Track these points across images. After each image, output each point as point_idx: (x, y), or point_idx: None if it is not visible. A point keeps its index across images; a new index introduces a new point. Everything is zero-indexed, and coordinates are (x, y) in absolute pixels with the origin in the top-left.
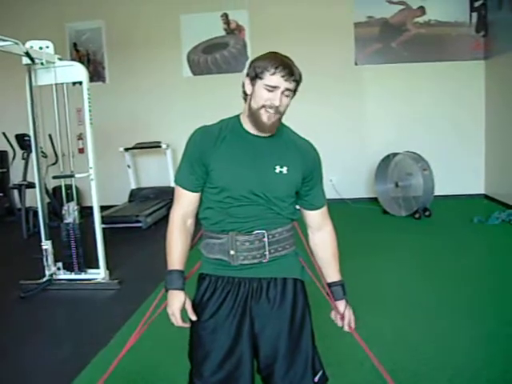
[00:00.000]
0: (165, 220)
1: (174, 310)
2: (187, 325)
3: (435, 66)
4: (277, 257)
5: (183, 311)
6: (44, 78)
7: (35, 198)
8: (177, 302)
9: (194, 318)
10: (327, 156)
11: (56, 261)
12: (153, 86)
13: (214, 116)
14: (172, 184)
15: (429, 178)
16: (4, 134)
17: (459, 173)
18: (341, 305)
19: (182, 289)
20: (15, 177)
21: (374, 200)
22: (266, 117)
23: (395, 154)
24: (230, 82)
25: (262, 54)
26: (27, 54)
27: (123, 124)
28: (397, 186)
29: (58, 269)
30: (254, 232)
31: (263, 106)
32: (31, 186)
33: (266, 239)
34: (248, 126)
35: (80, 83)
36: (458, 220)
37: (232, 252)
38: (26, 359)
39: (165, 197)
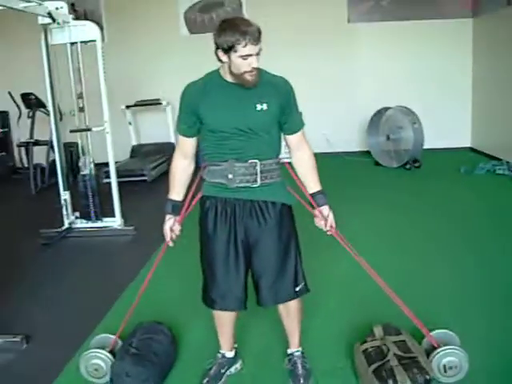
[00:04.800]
0: (168, 174)
1: (165, 229)
2: (170, 243)
3: (425, 24)
4: (266, 183)
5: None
6: (58, 37)
7: (40, 156)
8: (167, 223)
9: (174, 236)
10: (320, 110)
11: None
12: (151, 45)
13: None
14: (172, 140)
15: (418, 131)
16: (10, 93)
17: (447, 127)
18: (324, 209)
19: (173, 213)
20: (19, 136)
21: (367, 153)
22: (249, 78)
23: (387, 109)
24: None
25: (222, 24)
26: (49, 15)
27: (123, 82)
28: (388, 138)
29: (76, 218)
30: (249, 161)
31: (245, 72)
32: (38, 143)
33: (258, 167)
34: (228, 78)
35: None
36: (446, 170)
37: (230, 176)
38: (55, 299)
39: (166, 152)
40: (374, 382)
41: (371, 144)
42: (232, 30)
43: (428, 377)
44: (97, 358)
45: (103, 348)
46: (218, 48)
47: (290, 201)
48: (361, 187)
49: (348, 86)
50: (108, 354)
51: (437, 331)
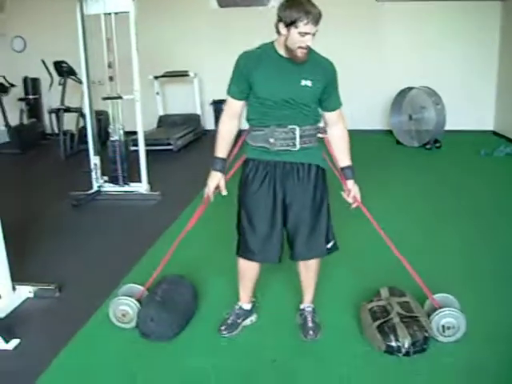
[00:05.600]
0: (193, 144)
1: (210, 184)
2: (211, 198)
3: (452, 5)
4: (304, 148)
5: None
6: (93, 7)
7: (69, 123)
8: (215, 179)
9: (224, 192)
10: (345, 88)
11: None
12: (180, 17)
13: (238, 48)
14: (198, 111)
15: (441, 112)
16: (43, 60)
17: (470, 109)
18: (350, 183)
19: (221, 171)
20: (50, 102)
21: (389, 132)
22: (301, 54)
23: (410, 89)
24: (254, 15)
25: (289, 0)
26: None
27: (151, 53)
28: (410, 118)
29: (105, 182)
30: (289, 126)
31: (299, 47)
32: (69, 110)
33: (297, 132)
34: (281, 51)
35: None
36: (465, 151)
37: (271, 140)
38: (84, 254)
39: (191, 123)
40: (377, 336)
41: (393, 123)
42: (298, 7)
43: (426, 334)
44: (124, 305)
45: (131, 297)
46: (280, 21)
47: (324, 165)
48: (381, 163)
49: (373, 65)
50: (135, 301)
51: (439, 295)
